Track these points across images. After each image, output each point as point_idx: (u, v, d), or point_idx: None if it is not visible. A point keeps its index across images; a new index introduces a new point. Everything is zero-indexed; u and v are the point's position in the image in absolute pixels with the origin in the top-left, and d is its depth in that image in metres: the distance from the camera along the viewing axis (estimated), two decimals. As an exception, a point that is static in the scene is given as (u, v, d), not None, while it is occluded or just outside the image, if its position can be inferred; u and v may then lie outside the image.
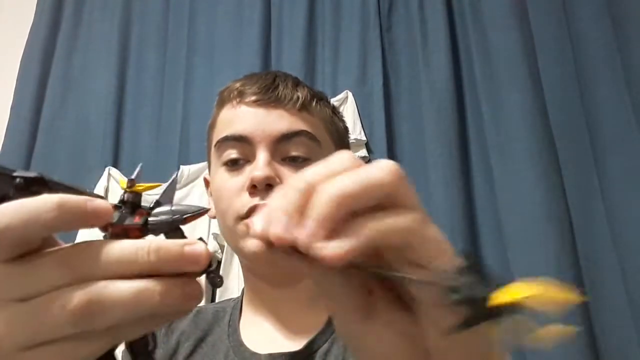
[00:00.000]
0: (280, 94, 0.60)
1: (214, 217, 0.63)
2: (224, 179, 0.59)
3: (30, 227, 0.23)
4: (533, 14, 1.52)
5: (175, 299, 0.24)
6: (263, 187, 0.55)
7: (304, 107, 0.61)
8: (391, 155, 1.51)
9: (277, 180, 0.56)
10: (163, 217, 0.27)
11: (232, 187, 0.58)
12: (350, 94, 1.56)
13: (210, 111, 1.69)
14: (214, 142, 0.63)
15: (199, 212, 0.27)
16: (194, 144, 1.60)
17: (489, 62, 1.50)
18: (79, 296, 0.22)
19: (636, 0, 1.40)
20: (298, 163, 0.58)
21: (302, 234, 0.23)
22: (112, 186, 1.63)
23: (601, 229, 1.32)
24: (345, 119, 0.70)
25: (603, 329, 1.25)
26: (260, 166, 0.56)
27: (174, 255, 0.24)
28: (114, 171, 1.65)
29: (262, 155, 0.57)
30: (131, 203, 0.27)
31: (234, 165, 0.59)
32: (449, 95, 1.50)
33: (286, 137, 0.58)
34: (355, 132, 1.50)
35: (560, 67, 1.46)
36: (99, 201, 0.24)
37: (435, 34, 1.56)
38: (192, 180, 1.56)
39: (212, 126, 0.67)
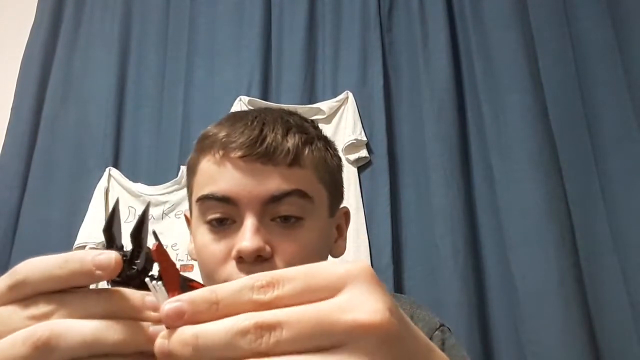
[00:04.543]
0: (268, 147, 0.54)
1: (195, 260, 0.59)
2: (207, 241, 0.55)
3: (43, 283, 0.25)
4: (533, 14, 1.52)
5: (136, 343, 0.24)
6: (252, 260, 0.51)
7: (295, 161, 0.55)
8: (391, 156, 1.51)
9: (267, 249, 0.52)
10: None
11: (217, 253, 0.54)
12: (350, 95, 1.56)
13: (211, 111, 1.70)
14: (194, 194, 0.58)
15: None
16: (194, 144, 1.59)
17: (489, 63, 1.50)
18: (41, 331, 0.23)
19: (636, 0, 1.40)
20: (290, 223, 0.54)
21: None
22: (112, 186, 1.63)
23: (601, 229, 1.32)
24: (337, 150, 0.65)
25: (603, 329, 1.26)
26: (248, 236, 0.51)
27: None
28: (115, 171, 1.65)
29: (249, 222, 0.52)
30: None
31: (218, 225, 0.54)
32: (450, 95, 1.50)
33: (276, 198, 0.53)
34: (356, 132, 1.50)
35: (560, 67, 1.46)
36: (104, 255, 0.25)
37: (435, 35, 1.56)
38: (193, 181, 1.56)
39: (192, 170, 0.60)
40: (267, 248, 0.52)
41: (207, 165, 0.57)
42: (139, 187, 1.61)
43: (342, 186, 0.65)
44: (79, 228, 1.57)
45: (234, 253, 0.52)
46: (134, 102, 1.77)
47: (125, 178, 1.63)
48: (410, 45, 1.61)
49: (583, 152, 1.39)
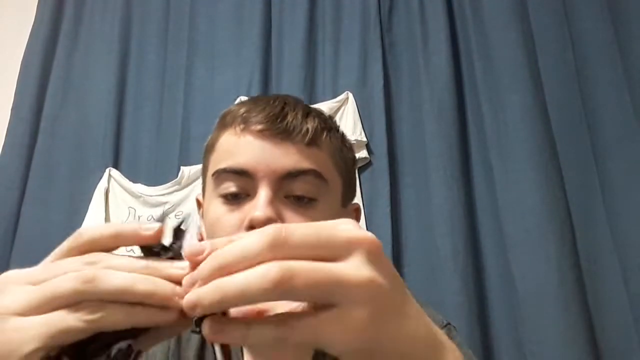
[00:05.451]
0: (288, 125, 0.55)
1: None
2: (220, 212, 0.55)
3: (98, 240, 0.31)
4: (533, 14, 1.52)
5: (162, 294, 0.28)
6: None
7: (313, 142, 0.56)
8: (391, 156, 1.51)
9: (279, 221, 0.52)
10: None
11: (229, 224, 0.54)
12: (350, 95, 1.56)
13: (211, 111, 1.70)
14: (211, 169, 0.58)
15: None
16: (194, 144, 1.60)
17: (489, 63, 1.50)
18: (89, 271, 0.29)
19: (636, 0, 1.40)
20: (303, 203, 0.54)
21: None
22: (112, 187, 1.63)
23: (602, 229, 1.32)
24: (350, 138, 0.67)
25: (603, 329, 1.26)
26: (260, 205, 0.52)
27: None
28: (115, 172, 1.65)
29: (263, 193, 0.53)
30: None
31: (232, 199, 0.55)
32: (450, 95, 1.50)
33: (292, 175, 0.54)
34: (356, 132, 1.50)
35: (560, 67, 1.46)
36: (151, 223, 0.31)
37: (435, 35, 1.56)
38: (192, 182, 1.56)
39: (210, 148, 0.61)
40: (279, 221, 0.52)
41: (226, 139, 0.58)
42: (139, 188, 1.61)
43: (356, 181, 0.66)
44: (79, 228, 1.57)
45: (245, 222, 0.52)
46: (134, 102, 1.78)
47: (126, 179, 1.63)
48: (410, 45, 1.61)
49: (583, 152, 1.39)
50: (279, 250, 0.27)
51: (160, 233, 0.31)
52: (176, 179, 1.58)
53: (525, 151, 1.39)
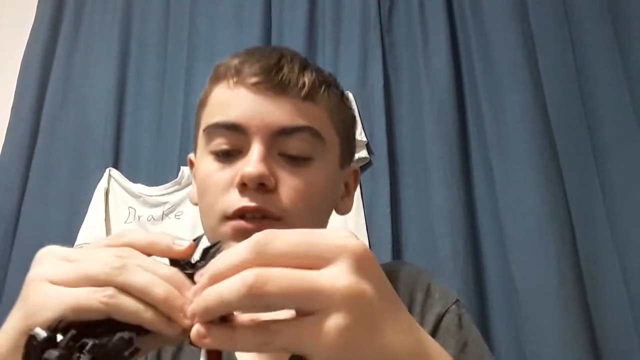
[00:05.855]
0: (284, 77, 0.52)
1: (196, 204, 0.57)
2: (211, 168, 0.53)
3: (136, 247, 0.33)
4: (533, 14, 1.52)
5: (172, 305, 0.30)
6: (255, 187, 0.49)
7: (309, 97, 0.53)
8: (391, 156, 1.51)
9: (272, 179, 0.50)
10: None
11: (220, 181, 0.51)
12: (350, 96, 1.55)
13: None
14: (202, 125, 0.56)
15: None
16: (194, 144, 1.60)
17: (489, 63, 1.50)
18: (120, 261, 0.31)
19: (636, 0, 1.40)
20: (298, 162, 0.52)
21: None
22: (112, 187, 1.63)
23: (602, 229, 1.32)
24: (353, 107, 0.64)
25: (603, 329, 1.26)
26: (253, 161, 0.49)
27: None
28: (115, 172, 1.65)
29: (256, 148, 0.50)
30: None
31: (224, 156, 0.52)
32: (450, 96, 1.50)
33: (286, 132, 0.51)
34: (356, 133, 1.50)
35: (560, 68, 1.46)
36: (183, 241, 0.33)
37: (435, 35, 1.56)
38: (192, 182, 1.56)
39: (202, 103, 0.58)
40: (272, 178, 0.50)
41: (219, 92, 0.55)
42: (139, 188, 1.61)
43: (354, 144, 0.63)
44: (79, 228, 1.57)
45: (237, 179, 0.50)
46: (133, 103, 1.77)
47: (126, 179, 1.63)
48: (410, 45, 1.60)
49: (583, 152, 1.39)
50: (260, 257, 0.27)
51: (189, 250, 0.33)
52: (176, 179, 1.58)
53: (525, 151, 1.39)
